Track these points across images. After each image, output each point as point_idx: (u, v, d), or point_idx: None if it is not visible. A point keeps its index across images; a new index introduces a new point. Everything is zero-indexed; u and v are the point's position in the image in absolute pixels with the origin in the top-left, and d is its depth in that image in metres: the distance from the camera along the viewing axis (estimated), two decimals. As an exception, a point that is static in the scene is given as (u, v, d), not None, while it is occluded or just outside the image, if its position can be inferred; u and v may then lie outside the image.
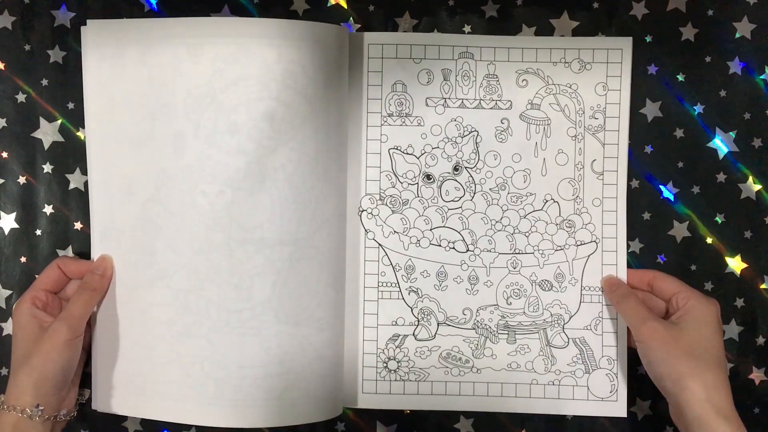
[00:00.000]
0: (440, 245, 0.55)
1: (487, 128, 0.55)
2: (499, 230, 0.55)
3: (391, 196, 0.55)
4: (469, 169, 0.55)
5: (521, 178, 0.55)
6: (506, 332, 0.55)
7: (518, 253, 0.55)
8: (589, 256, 0.55)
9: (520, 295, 0.55)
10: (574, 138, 0.55)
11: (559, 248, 0.55)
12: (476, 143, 0.55)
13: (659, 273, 0.54)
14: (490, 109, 0.55)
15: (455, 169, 0.55)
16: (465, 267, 0.55)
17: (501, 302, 0.55)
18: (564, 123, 0.55)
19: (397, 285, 0.56)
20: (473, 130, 0.55)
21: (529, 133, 0.55)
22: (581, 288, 0.55)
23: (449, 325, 0.55)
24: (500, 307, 0.55)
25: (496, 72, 0.55)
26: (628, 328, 0.54)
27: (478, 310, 0.55)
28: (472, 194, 0.55)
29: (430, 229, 0.55)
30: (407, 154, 0.55)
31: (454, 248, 0.55)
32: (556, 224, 0.55)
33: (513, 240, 0.55)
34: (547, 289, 0.55)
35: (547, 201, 0.55)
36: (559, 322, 0.55)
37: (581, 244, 0.55)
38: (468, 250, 0.55)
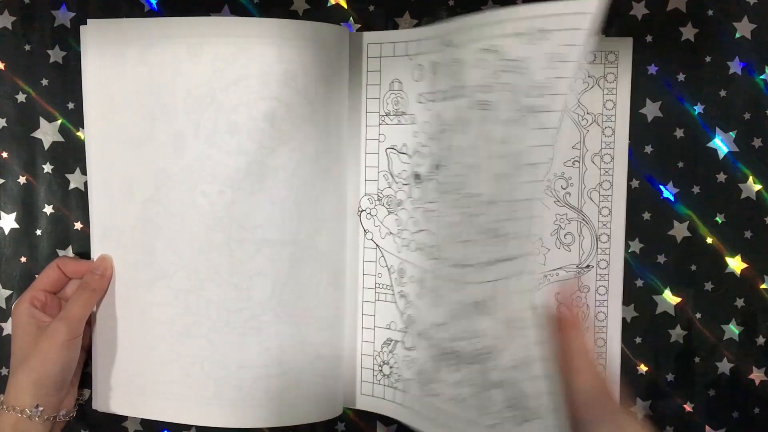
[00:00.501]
0: (422, 249, 0.52)
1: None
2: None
3: (387, 196, 0.55)
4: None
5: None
6: (454, 358, 0.47)
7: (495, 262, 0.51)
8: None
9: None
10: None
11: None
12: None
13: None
14: None
15: (436, 167, 0.51)
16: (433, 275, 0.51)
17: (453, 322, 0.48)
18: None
19: (391, 288, 0.55)
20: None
21: None
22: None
23: (424, 339, 0.51)
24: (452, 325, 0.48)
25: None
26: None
27: (436, 326, 0.49)
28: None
29: (416, 232, 0.55)
30: (402, 153, 0.55)
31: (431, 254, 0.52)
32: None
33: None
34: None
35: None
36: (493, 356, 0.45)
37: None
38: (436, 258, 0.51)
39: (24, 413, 0.47)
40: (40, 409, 0.48)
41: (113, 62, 0.52)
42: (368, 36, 0.55)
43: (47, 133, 0.56)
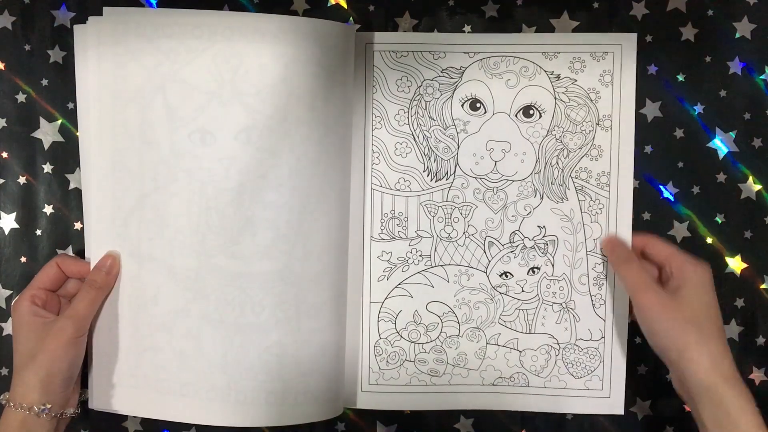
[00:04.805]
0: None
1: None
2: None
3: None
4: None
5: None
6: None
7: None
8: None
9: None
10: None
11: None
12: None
13: (651, 238, 0.54)
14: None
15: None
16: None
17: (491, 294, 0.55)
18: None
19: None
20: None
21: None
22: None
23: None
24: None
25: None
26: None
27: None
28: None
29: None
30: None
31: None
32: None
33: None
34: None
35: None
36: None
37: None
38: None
39: (32, 411, 0.47)
40: (48, 406, 0.48)
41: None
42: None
43: (47, 133, 0.56)
